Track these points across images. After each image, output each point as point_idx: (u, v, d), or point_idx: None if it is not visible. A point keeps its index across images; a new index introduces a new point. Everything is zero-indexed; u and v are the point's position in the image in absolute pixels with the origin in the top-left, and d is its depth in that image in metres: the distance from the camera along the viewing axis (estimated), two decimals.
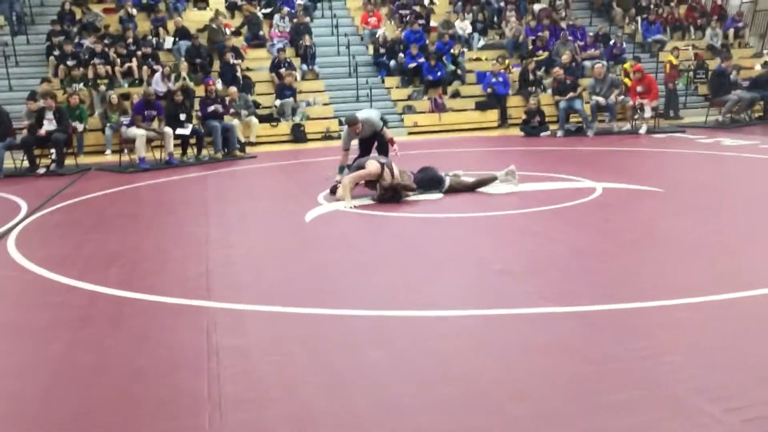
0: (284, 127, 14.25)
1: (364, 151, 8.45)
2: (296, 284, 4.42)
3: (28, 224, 6.72)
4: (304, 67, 16.07)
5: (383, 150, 8.37)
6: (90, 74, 14.11)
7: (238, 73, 14.82)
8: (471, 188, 7.30)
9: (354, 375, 2.99)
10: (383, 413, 2.64)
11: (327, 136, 14.35)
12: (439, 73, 15.70)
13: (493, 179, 7.38)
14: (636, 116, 13.17)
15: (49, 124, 10.75)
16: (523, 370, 2.97)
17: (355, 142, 8.28)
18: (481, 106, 15.30)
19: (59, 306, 4.15)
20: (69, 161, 11.11)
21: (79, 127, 12.17)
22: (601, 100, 12.95)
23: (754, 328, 3.35)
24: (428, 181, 7.15)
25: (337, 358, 3.19)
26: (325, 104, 15.33)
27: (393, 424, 2.55)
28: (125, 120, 11.48)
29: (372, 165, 6.94)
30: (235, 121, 12.65)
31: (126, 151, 11.07)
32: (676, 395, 2.69)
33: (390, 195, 6.84)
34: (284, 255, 5.20)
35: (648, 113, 12.82)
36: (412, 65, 15.95)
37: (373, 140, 8.41)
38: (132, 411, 2.75)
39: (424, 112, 15.28)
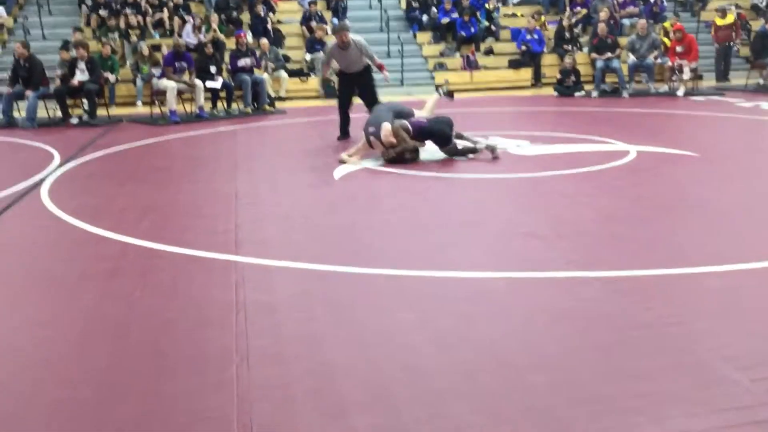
0: (314, 82, 14.16)
1: (345, 92, 8.25)
2: (323, 242, 4.44)
3: (61, 174, 6.82)
4: (335, 20, 15.88)
5: (366, 94, 8.16)
6: (122, 24, 14.12)
7: (269, 26, 14.70)
8: (462, 155, 6.96)
9: (377, 334, 3.01)
10: (404, 372, 2.66)
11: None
12: (472, 30, 15.41)
13: (474, 150, 6.98)
14: (674, 77, 12.84)
15: (81, 74, 10.81)
16: (546, 336, 2.97)
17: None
18: (514, 65, 15.02)
19: (91, 257, 4.22)
20: (101, 112, 11.20)
21: (111, 77, 12.23)
22: (639, 57, 12.58)
23: None
24: (436, 131, 6.84)
25: (361, 316, 3.21)
26: None
27: (413, 384, 2.57)
28: (156, 72, 11.49)
29: (360, 143, 6.95)
30: (265, 75, 12.60)
31: (157, 103, 11.11)
32: (704, 363, 2.67)
33: (394, 159, 6.67)
34: (312, 212, 5.21)
35: (687, 75, 12.48)
36: (445, 21, 15.67)
37: (358, 80, 8.16)
38: (160, 364, 2.81)
39: (455, 70, 15.06)
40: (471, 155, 6.94)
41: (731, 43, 14.57)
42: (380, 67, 8.24)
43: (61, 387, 2.65)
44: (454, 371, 2.66)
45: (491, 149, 6.96)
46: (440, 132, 6.88)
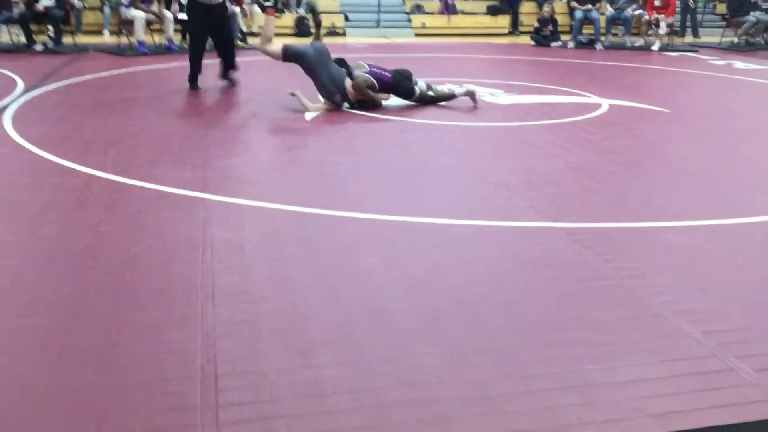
0: (288, 18, 13.85)
1: (201, 30, 7.13)
2: (294, 183, 4.42)
3: (25, 102, 6.63)
4: None
5: (222, 37, 7.29)
6: None
7: None
8: (432, 102, 6.92)
9: (345, 276, 3.04)
10: (371, 314, 2.70)
11: (332, 32, 13.98)
12: None
13: (451, 97, 6.97)
14: (650, 32, 12.82)
15: (46, 0, 10.42)
16: (510, 283, 3.03)
17: None
18: (492, 11, 14.86)
19: (56, 187, 4.15)
20: (67, 39, 10.84)
21: (78, 4, 11.81)
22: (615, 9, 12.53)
23: (744, 256, 3.39)
24: (399, 87, 6.73)
25: (329, 258, 3.23)
26: None
27: (379, 325, 2.62)
28: (125, 0, 11.11)
29: (322, 103, 6.49)
30: (237, 9, 12.27)
31: (125, 32, 10.78)
32: (659, 315, 2.75)
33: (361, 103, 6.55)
34: (283, 153, 5.17)
35: (663, 30, 12.48)
36: None
37: (215, 17, 7.07)
38: (125, 297, 2.81)
39: (433, 13, 14.84)
40: (444, 102, 6.90)
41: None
42: (269, 12, 7.07)
43: (24, 315, 2.64)
44: (418, 314, 2.71)
45: (471, 94, 6.92)
46: (404, 87, 6.74)
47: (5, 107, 6.32)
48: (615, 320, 2.71)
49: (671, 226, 3.74)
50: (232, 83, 7.61)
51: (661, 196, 4.31)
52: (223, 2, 7.05)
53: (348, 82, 6.46)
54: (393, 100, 6.83)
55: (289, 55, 6.45)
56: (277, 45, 6.60)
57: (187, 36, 7.41)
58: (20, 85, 7.48)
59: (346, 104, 6.57)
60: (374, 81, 6.52)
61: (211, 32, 7.25)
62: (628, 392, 2.25)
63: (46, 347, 2.43)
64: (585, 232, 3.63)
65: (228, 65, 7.54)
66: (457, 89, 7.12)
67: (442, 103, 6.91)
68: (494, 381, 2.29)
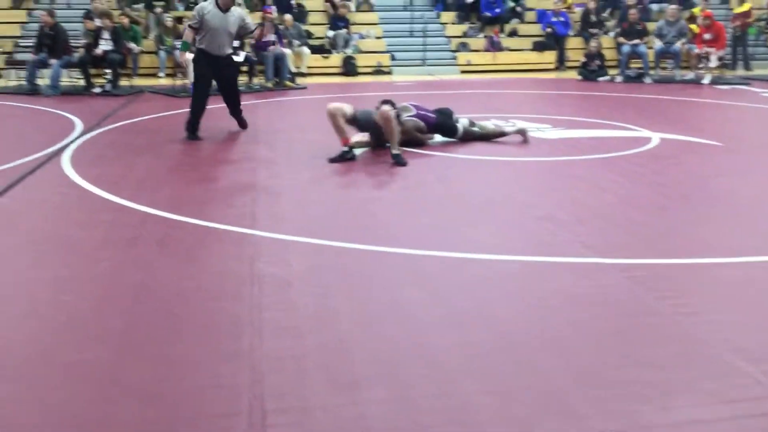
0: (335, 59, 14.11)
1: (204, 76, 6.83)
2: (339, 218, 4.45)
3: (83, 143, 6.88)
4: None
5: (229, 87, 7.03)
6: None
7: (293, 1, 14.64)
8: (484, 138, 6.86)
9: (390, 311, 3.03)
10: (417, 350, 2.68)
11: (378, 71, 14.18)
12: (497, 10, 15.25)
13: (501, 134, 6.94)
14: (701, 65, 12.64)
15: (105, 44, 10.86)
16: (559, 320, 2.97)
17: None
18: (538, 47, 14.86)
19: (110, 225, 4.27)
20: (124, 82, 11.25)
21: (135, 48, 12.27)
22: (663, 42, 12.43)
23: None
24: (444, 127, 6.74)
25: (374, 293, 3.23)
26: (377, 37, 15.10)
27: (425, 361, 2.59)
28: (179, 44, 11.50)
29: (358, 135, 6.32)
30: (287, 51, 12.57)
31: (179, 75, 11.14)
32: (715, 354, 2.66)
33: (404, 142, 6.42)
34: (329, 188, 5.23)
35: (714, 63, 12.28)
36: (470, 0, 15.50)
37: (221, 67, 6.85)
38: (175, 331, 2.85)
39: (478, 51, 14.93)
40: (496, 139, 6.89)
41: (745, 32, 14.32)
42: (259, 37, 7.05)
43: (78, 349, 2.70)
44: (464, 350, 2.68)
45: (522, 132, 6.91)
46: (448, 126, 6.76)
47: (64, 147, 6.57)
48: (669, 359, 2.63)
49: (726, 261, 3.63)
50: (243, 125, 7.46)
51: (714, 231, 4.20)
52: (230, 55, 7.01)
53: (383, 111, 6.31)
54: (437, 137, 6.87)
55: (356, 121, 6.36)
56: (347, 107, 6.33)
57: (192, 84, 7.16)
58: (79, 126, 7.77)
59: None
60: (423, 124, 6.58)
61: (218, 82, 7.06)
62: None
63: (98, 381, 2.48)
64: (636, 267, 3.55)
65: (235, 111, 7.38)
66: (508, 127, 7.11)
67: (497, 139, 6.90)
68: (544, 420, 2.23)
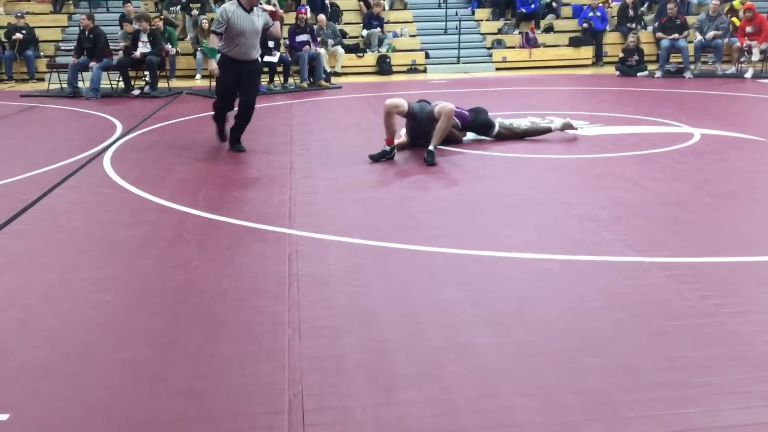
0: (370, 58, 14.14)
1: (229, 83, 6.31)
2: (376, 217, 4.45)
3: (123, 144, 7.00)
4: None
5: (250, 91, 6.43)
6: None
7: (327, 1, 14.70)
8: (521, 136, 6.80)
9: (429, 311, 3.02)
10: (456, 350, 2.66)
11: (413, 69, 14.16)
12: (533, 6, 15.12)
13: (546, 131, 6.86)
14: (742, 59, 12.35)
15: (143, 47, 11.04)
16: (600, 320, 2.92)
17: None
18: (575, 42, 14.69)
19: (151, 225, 4.34)
20: (161, 84, 11.42)
21: (171, 50, 12.45)
22: (708, 35, 12.18)
23: None
24: (479, 124, 6.73)
25: (413, 292, 3.22)
26: (412, 36, 15.08)
27: (464, 362, 2.57)
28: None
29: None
30: (322, 51, 12.62)
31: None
32: (763, 355, 2.59)
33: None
34: (365, 187, 5.23)
35: (756, 56, 11.99)
36: None
37: (247, 71, 6.34)
38: (215, 330, 2.88)
39: (514, 47, 14.81)
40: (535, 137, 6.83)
41: None
42: (274, 16, 6.33)
43: (120, 348, 2.74)
44: (504, 351, 2.65)
45: (567, 126, 6.81)
46: (482, 120, 6.73)
47: (105, 149, 6.69)
48: (715, 360, 2.57)
49: None
50: (239, 149, 6.55)
51: (759, 228, 4.09)
52: (256, 60, 6.42)
53: (447, 106, 6.29)
54: (472, 135, 6.83)
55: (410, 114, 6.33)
56: (402, 102, 6.22)
57: (216, 90, 6.61)
58: (119, 128, 7.92)
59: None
60: (458, 122, 6.56)
61: (239, 90, 6.46)
62: None
63: (140, 379, 2.51)
64: (679, 266, 3.48)
65: (240, 130, 6.64)
66: (552, 124, 6.92)
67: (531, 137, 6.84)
68: (587, 424, 2.20)
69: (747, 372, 2.48)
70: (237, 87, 6.41)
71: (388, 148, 6.03)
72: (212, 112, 6.82)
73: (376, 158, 5.94)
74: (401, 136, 6.59)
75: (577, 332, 2.81)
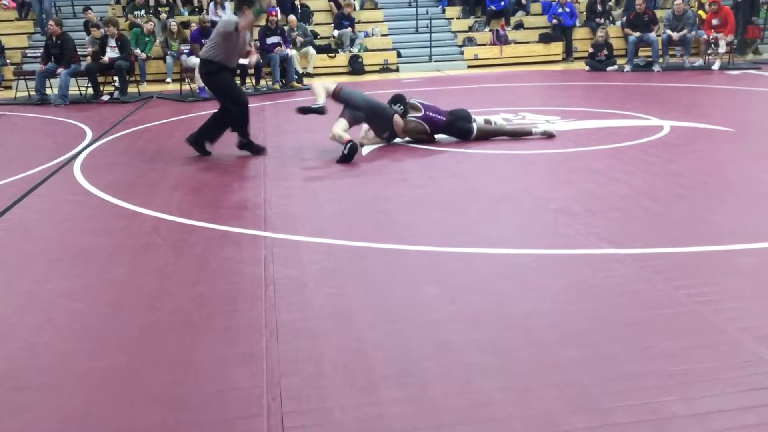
0: (342, 58, 14.12)
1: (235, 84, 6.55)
2: (351, 217, 4.44)
3: (93, 150, 6.91)
4: None
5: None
6: (151, 1, 14.17)
7: (297, 2, 14.65)
8: (501, 135, 6.74)
9: (406, 309, 3.02)
10: (434, 348, 2.66)
11: (385, 69, 14.17)
12: (502, 3, 15.22)
13: (527, 134, 6.76)
14: (709, 51, 12.54)
15: (111, 52, 10.91)
16: (577, 313, 2.94)
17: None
18: (545, 39, 14.81)
19: (123, 231, 4.28)
20: (131, 89, 11.29)
21: (141, 55, 12.32)
22: (674, 34, 12.38)
23: None
24: (455, 131, 6.64)
25: (390, 291, 3.21)
26: (383, 35, 15.09)
27: (443, 359, 2.58)
28: (185, 48, 11.55)
29: (339, 125, 6.20)
30: (293, 52, 12.58)
31: (186, 80, 11.17)
32: (737, 342, 2.63)
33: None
34: (340, 188, 5.22)
35: (723, 48, 12.19)
36: None
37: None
38: (191, 336, 2.85)
39: (485, 45, 14.89)
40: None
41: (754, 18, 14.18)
42: (247, 54, 6.68)
43: (95, 357, 2.70)
44: (482, 347, 2.66)
45: (548, 134, 6.71)
46: (458, 127, 6.63)
47: (75, 156, 6.59)
48: (690, 349, 2.60)
49: (743, 248, 3.59)
50: (258, 150, 6.59)
51: (730, 218, 4.16)
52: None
53: (396, 119, 6.50)
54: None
55: (340, 96, 6.46)
56: (332, 84, 6.64)
57: (226, 100, 6.42)
58: (89, 134, 7.81)
59: (398, 139, 6.65)
60: (426, 127, 6.55)
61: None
62: (708, 425, 2.14)
63: (116, 388, 2.48)
64: (653, 257, 3.52)
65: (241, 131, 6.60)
66: (535, 129, 6.84)
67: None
68: (566, 416, 2.21)
69: (721, 359, 2.52)
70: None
71: (344, 148, 5.94)
72: (236, 129, 6.48)
73: (344, 160, 5.89)
74: (368, 135, 6.64)
75: (554, 325, 2.83)
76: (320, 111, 6.21)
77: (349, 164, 5.89)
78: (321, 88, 6.43)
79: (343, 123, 6.24)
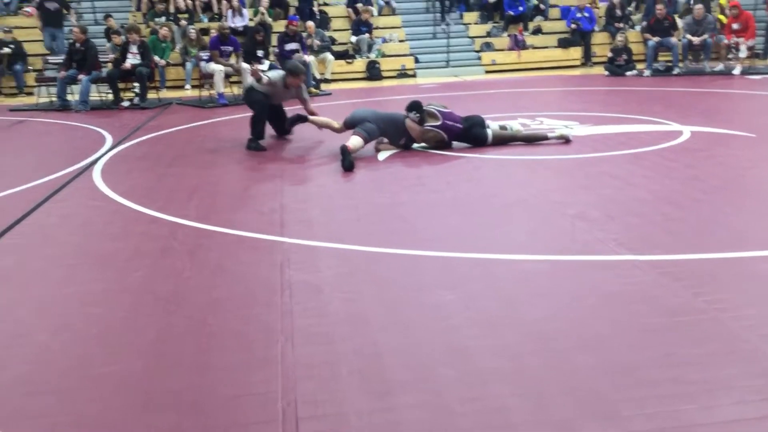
0: (359, 64, 14.15)
1: (266, 109, 7.32)
2: (367, 223, 4.44)
3: (113, 156, 6.97)
4: (381, 2, 15.81)
5: (280, 122, 7.58)
6: (171, 8, 14.31)
7: (315, 8, 14.72)
8: (516, 140, 6.70)
9: (422, 315, 3.01)
10: (449, 353, 2.65)
11: (402, 74, 14.18)
12: (520, 8, 15.17)
13: (543, 138, 6.71)
14: (730, 56, 12.41)
15: (132, 58, 11.02)
16: (594, 319, 2.92)
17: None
18: (563, 44, 14.74)
19: (141, 236, 4.32)
20: (151, 95, 11.39)
21: (161, 61, 12.43)
22: (694, 39, 12.27)
23: None
24: (471, 138, 6.60)
25: (405, 297, 3.20)
26: (401, 41, 15.10)
27: (458, 364, 2.56)
28: (204, 55, 11.63)
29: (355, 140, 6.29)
30: (311, 58, 12.62)
31: (205, 86, 11.25)
32: (758, 350, 2.59)
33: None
34: (357, 193, 5.22)
35: (743, 53, 12.06)
36: None
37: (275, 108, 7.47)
38: (207, 340, 2.86)
39: (503, 50, 14.85)
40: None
41: None
42: (307, 114, 7.38)
43: (111, 361, 2.72)
44: (497, 353, 2.64)
45: (563, 138, 6.68)
46: (474, 134, 6.61)
47: (95, 161, 6.66)
48: (710, 356, 2.56)
49: (764, 255, 3.54)
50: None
51: (751, 224, 4.10)
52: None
53: (408, 122, 6.48)
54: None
55: (350, 124, 6.65)
56: (335, 123, 6.95)
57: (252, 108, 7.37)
58: (109, 140, 7.89)
59: (415, 144, 6.65)
60: (444, 136, 6.54)
61: (273, 119, 7.60)
62: None
63: (132, 392, 2.49)
64: (671, 264, 3.48)
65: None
66: (551, 133, 6.80)
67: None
68: (582, 423, 2.19)
69: (741, 367, 2.48)
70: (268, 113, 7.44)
71: (347, 157, 5.97)
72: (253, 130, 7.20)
73: (347, 167, 5.91)
74: (383, 140, 6.65)
75: (570, 331, 2.80)
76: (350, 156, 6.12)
77: (366, 170, 5.89)
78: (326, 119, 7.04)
79: (356, 140, 6.28)
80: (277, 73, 7.37)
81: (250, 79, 7.77)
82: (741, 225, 4.10)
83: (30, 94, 12.61)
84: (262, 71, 7.55)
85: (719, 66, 12.60)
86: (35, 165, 6.66)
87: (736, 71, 12.02)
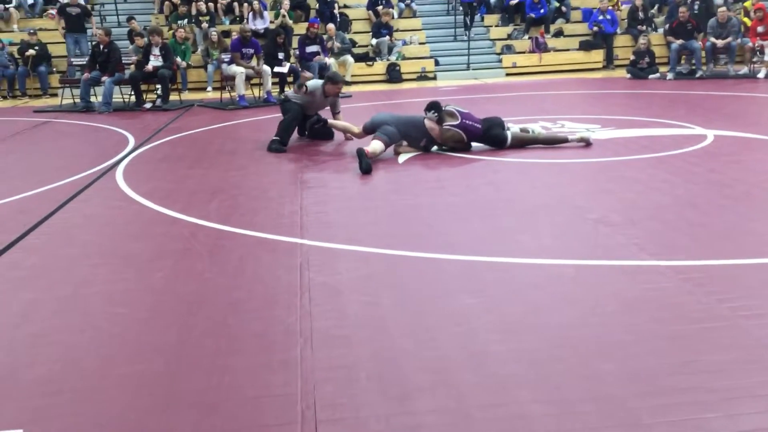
0: (380, 66, 14.16)
1: (298, 117, 7.40)
2: (388, 225, 4.44)
3: (135, 157, 7.04)
4: (402, 5, 15.81)
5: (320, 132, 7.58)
6: (193, 11, 14.42)
7: (336, 11, 14.76)
8: (536, 142, 6.67)
9: (441, 319, 3.00)
10: (469, 358, 2.64)
11: (422, 77, 14.17)
12: (542, 10, 15.10)
13: (563, 141, 6.67)
14: (755, 59, 12.26)
15: (155, 60, 11.12)
16: (616, 325, 2.89)
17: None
18: (585, 46, 14.65)
19: (163, 237, 4.35)
20: (173, 97, 11.49)
21: (182, 64, 12.53)
22: (718, 42, 12.13)
23: None
24: (490, 139, 6.60)
25: (425, 300, 3.20)
26: (421, 43, 15.10)
27: (478, 370, 2.55)
28: (226, 57, 11.71)
29: (376, 144, 6.32)
30: (331, 60, 12.66)
31: (227, 88, 11.33)
32: None
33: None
34: (376, 196, 5.22)
35: None
36: (514, 1, 15.40)
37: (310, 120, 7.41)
38: (227, 342, 2.87)
39: (523, 52, 14.80)
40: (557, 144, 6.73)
41: None
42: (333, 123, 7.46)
43: (133, 361, 2.74)
44: (518, 358, 2.63)
45: (585, 140, 6.63)
46: (494, 135, 6.59)
47: (118, 162, 6.73)
48: (733, 364, 2.53)
49: None
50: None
51: None
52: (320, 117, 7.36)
53: (428, 123, 6.50)
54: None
55: (370, 129, 6.70)
56: (356, 128, 7.03)
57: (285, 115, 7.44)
58: (131, 141, 7.96)
59: (435, 147, 6.64)
60: (463, 135, 6.53)
61: (311, 129, 7.65)
62: None
63: (152, 392, 2.51)
64: (695, 269, 3.44)
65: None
66: (571, 136, 6.75)
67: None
68: (604, 430, 2.16)
69: (766, 375, 2.44)
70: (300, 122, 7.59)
71: (363, 159, 5.96)
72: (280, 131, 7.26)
73: (364, 170, 5.90)
74: (403, 144, 6.65)
75: (592, 337, 2.78)
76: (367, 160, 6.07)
77: (386, 173, 5.89)
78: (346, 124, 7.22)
79: (376, 144, 6.29)
80: (315, 83, 7.57)
81: (289, 91, 8.01)
82: (765, 231, 4.04)
83: (54, 95, 12.79)
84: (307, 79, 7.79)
85: (743, 69, 12.45)
86: (59, 166, 6.74)
87: (761, 75, 11.87)
